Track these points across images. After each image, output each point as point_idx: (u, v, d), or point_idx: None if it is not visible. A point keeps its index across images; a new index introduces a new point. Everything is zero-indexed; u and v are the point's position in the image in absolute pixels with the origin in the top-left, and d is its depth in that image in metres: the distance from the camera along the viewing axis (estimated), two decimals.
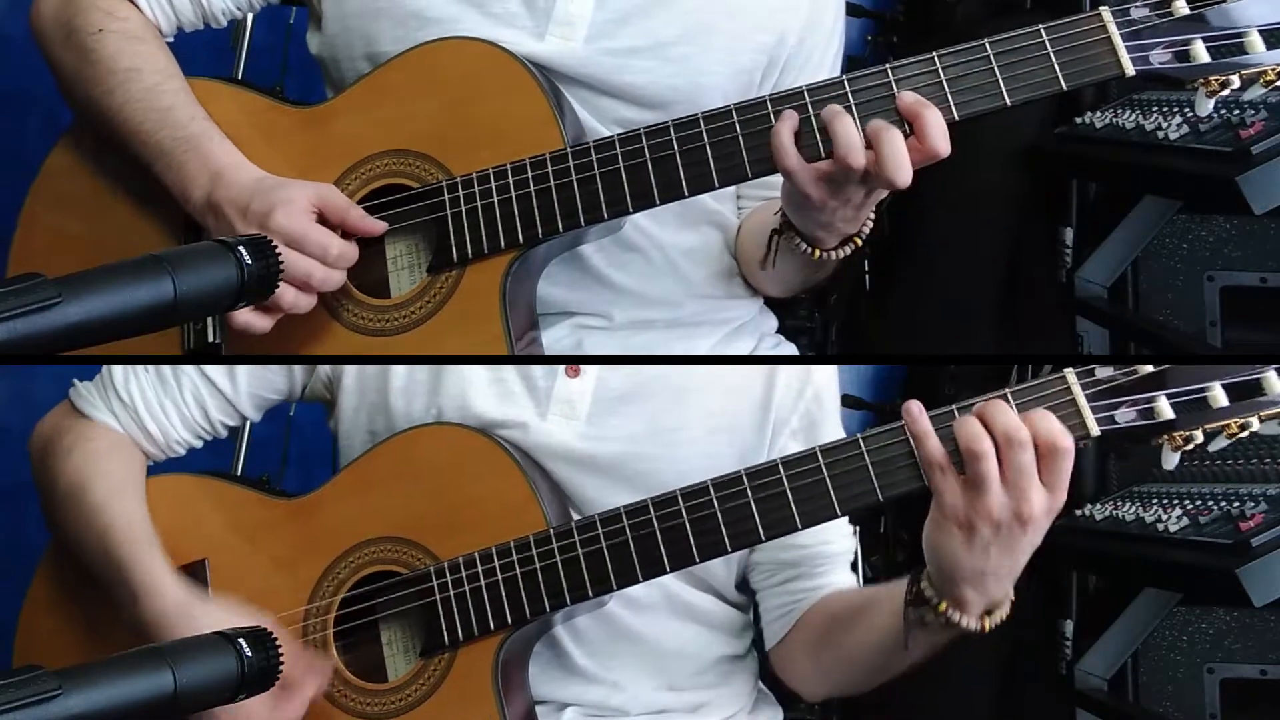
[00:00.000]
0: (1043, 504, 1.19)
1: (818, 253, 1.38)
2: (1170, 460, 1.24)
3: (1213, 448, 1.24)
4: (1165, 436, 1.23)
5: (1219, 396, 1.21)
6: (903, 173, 1.25)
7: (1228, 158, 1.87)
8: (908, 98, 1.26)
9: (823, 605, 1.48)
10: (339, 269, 1.35)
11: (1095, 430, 1.22)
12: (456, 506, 1.37)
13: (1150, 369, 1.22)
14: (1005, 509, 1.18)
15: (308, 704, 1.33)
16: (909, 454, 1.24)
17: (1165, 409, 1.22)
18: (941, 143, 1.25)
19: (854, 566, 1.54)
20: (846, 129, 1.26)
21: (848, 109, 1.28)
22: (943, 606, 1.25)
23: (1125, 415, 1.23)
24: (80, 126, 1.48)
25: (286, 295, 1.32)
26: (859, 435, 1.26)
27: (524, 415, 1.42)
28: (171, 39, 1.49)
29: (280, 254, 1.11)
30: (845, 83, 1.29)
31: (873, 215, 1.36)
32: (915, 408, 1.22)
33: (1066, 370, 1.23)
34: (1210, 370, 1.22)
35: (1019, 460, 1.18)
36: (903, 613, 1.29)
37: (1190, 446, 1.23)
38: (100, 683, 0.93)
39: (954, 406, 1.23)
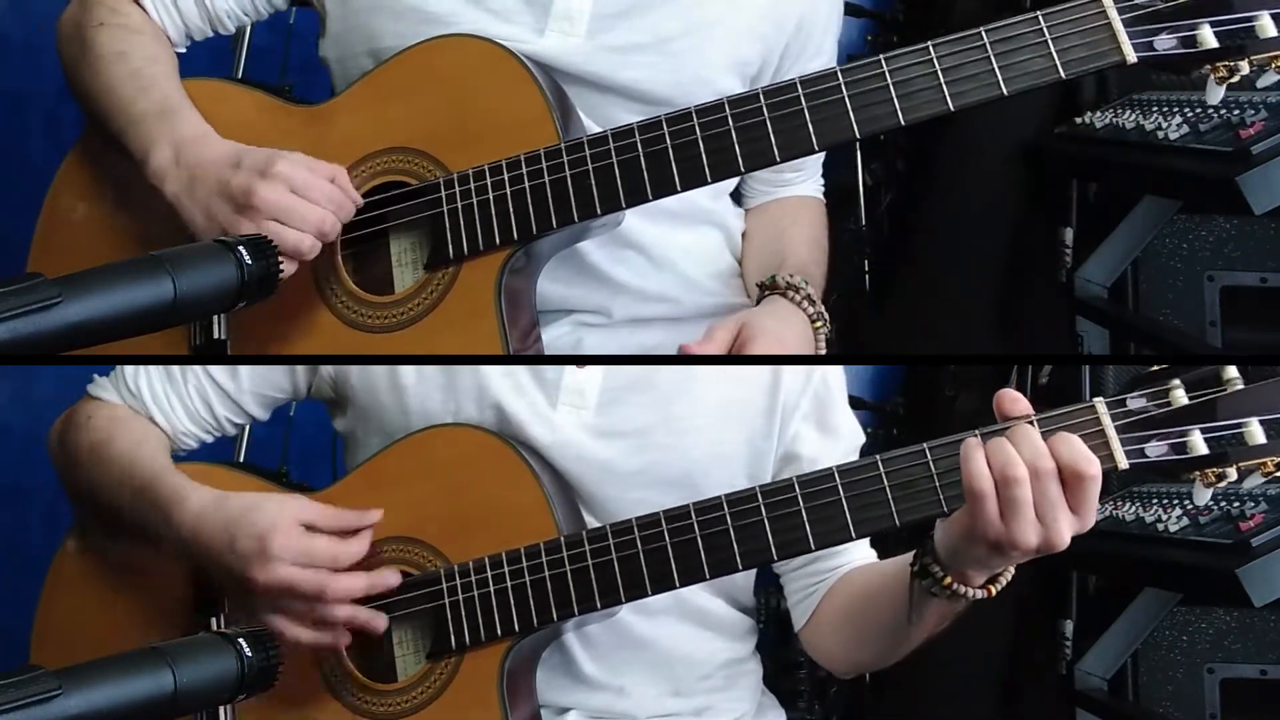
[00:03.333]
0: (1070, 530, 1.18)
1: None
2: (1202, 496, 1.20)
3: (1246, 485, 1.21)
4: (1198, 473, 1.19)
5: (1256, 433, 1.16)
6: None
7: (1228, 158, 1.87)
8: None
9: (843, 584, 1.48)
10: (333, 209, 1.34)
11: (1124, 463, 1.19)
12: (468, 508, 1.37)
13: (1185, 401, 1.18)
14: (1037, 537, 1.18)
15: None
16: (928, 478, 1.23)
17: (1199, 444, 1.18)
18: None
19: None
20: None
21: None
22: (948, 580, 1.25)
23: (1156, 449, 1.19)
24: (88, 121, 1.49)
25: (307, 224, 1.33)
26: (877, 457, 1.25)
27: (535, 407, 1.42)
28: (183, 48, 1.50)
29: (279, 252, 1.11)
30: (838, 74, 1.29)
31: None
32: (974, 441, 1.20)
33: (1096, 400, 1.20)
34: (1249, 404, 1.17)
35: (1048, 491, 1.17)
36: (909, 587, 1.29)
37: (1223, 484, 1.19)
38: (100, 682, 0.93)
39: (978, 431, 1.21)
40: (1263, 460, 1.18)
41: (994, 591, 1.26)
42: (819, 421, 1.48)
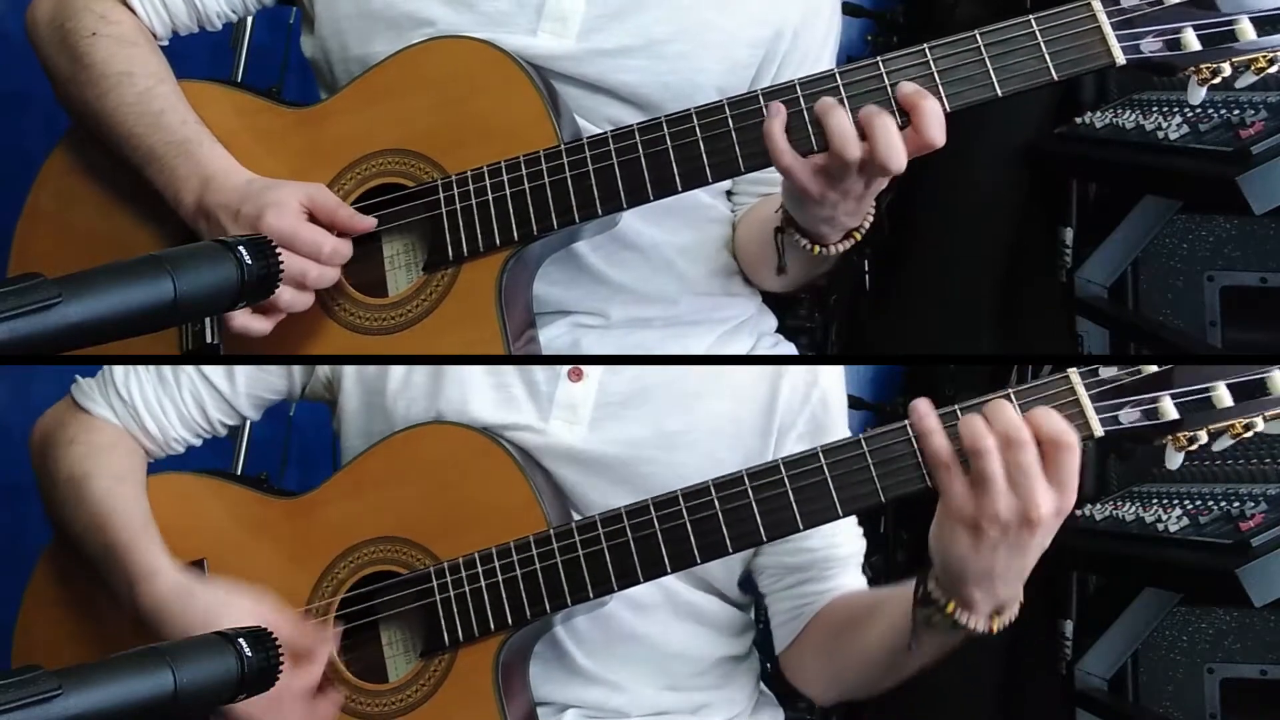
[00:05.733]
0: (1051, 504, 1.18)
1: (818, 249, 1.38)
2: (1174, 460, 1.24)
3: (1217, 448, 1.23)
4: (1169, 437, 1.22)
5: (1223, 396, 1.20)
6: (896, 158, 1.24)
7: (1228, 158, 1.87)
8: (907, 88, 1.26)
9: (831, 608, 1.47)
10: (333, 265, 1.35)
11: (1099, 430, 1.21)
12: (456, 506, 1.36)
13: (1155, 368, 1.22)
14: (1012, 510, 1.17)
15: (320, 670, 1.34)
16: (912, 453, 1.24)
17: (1169, 409, 1.21)
18: (937, 133, 1.25)
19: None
20: (840, 121, 1.26)
21: (840, 101, 1.28)
22: (950, 607, 1.24)
23: (1129, 415, 1.22)
24: (78, 128, 1.48)
25: (284, 295, 1.32)
26: (861, 435, 1.26)
27: (526, 420, 1.42)
28: (166, 42, 1.49)
29: (280, 254, 1.11)
30: (837, 75, 1.29)
31: (873, 208, 1.36)
32: (923, 405, 1.22)
33: (1070, 370, 1.23)
34: (1215, 370, 1.21)
35: (1022, 460, 1.17)
36: (910, 614, 1.28)
37: (1194, 447, 1.22)
38: (100, 683, 0.93)
39: (956, 407, 1.22)
40: (1231, 423, 1.21)
41: (996, 628, 1.25)
42: (814, 443, 1.47)
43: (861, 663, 1.42)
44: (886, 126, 1.24)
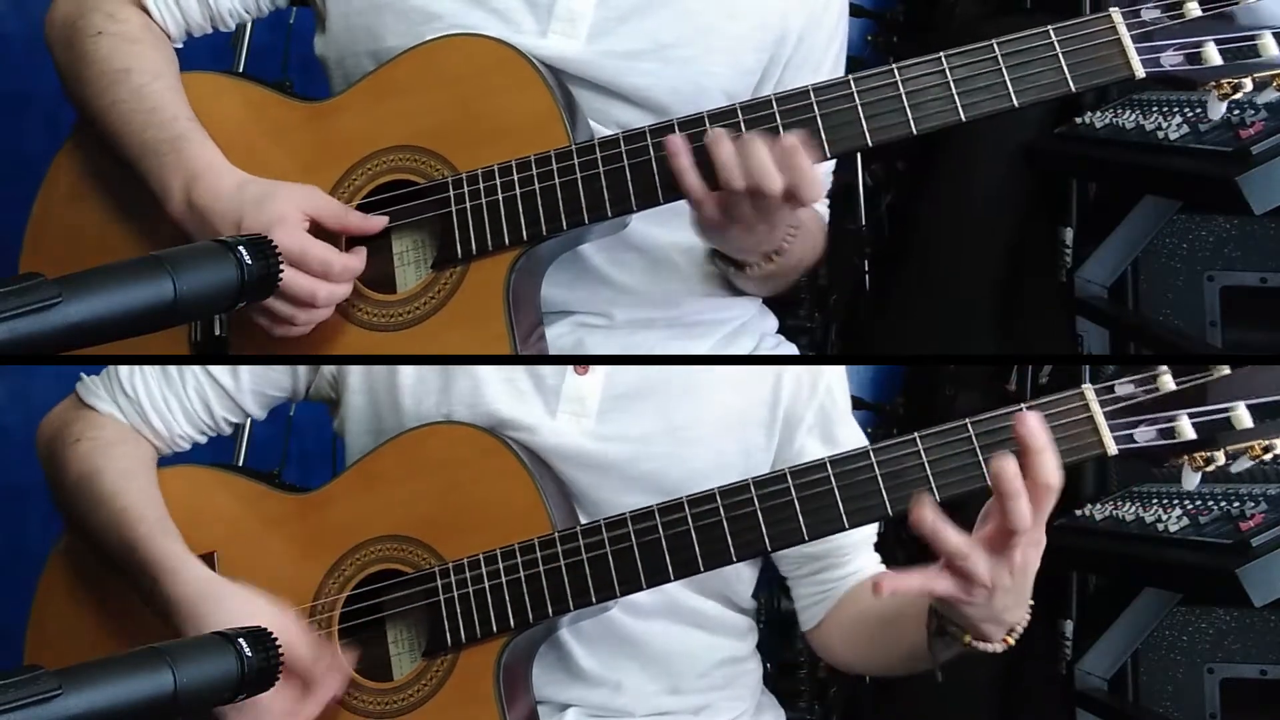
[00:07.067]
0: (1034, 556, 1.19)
1: (745, 269, 1.41)
2: (1190, 480, 1.22)
3: (1234, 469, 1.22)
4: (1186, 457, 1.21)
5: (1243, 417, 1.19)
6: (769, 181, 1.25)
7: (1228, 158, 1.87)
8: (787, 140, 1.26)
9: (857, 598, 1.49)
10: (344, 282, 1.35)
11: (1113, 449, 1.20)
12: (463, 507, 1.36)
13: (1173, 387, 1.20)
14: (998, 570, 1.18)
15: (327, 701, 1.33)
16: (920, 468, 1.24)
17: (1187, 429, 1.20)
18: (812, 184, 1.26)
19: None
20: (725, 152, 1.27)
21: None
22: (967, 639, 1.25)
23: (1145, 434, 1.21)
24: (84, 125, 1.48)
25: (298, 316, 1.33)
26: (869, 447, 1.26)
27: (534, 414, 1.42)
28: (181, 43, 1.49)
29: (280, 253, 1.11)
30: (851, 82, 1.29)
31: (792, 232, 1.36)
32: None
33: (1085, 386, 1.22)
34: (1236, 389, 1.19)
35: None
36: (927, 642, 1.30)
37: (1211, 468, 1.21)
38: (100, 683, 0.93)
39: (968, 421, 1.22)
40: (1250, 444, 1.21)
41: (1012, 641, 1.25)
42: (824, 434, 1.49)
43: (884, 658, 1.48)
44: (757, 150, 1.25)
